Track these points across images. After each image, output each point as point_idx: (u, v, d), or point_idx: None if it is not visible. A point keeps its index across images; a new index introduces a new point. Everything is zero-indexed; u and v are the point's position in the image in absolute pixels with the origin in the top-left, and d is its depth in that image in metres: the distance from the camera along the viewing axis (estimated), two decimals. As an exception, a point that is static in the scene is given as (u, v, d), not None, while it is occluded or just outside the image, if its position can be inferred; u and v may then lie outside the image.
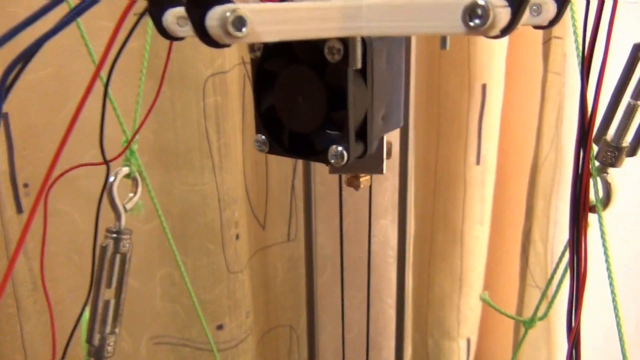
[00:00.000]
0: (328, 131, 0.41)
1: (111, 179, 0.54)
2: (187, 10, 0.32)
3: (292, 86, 0.41)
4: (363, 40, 0.39)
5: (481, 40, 0.90)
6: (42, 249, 0.57)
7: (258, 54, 0.42)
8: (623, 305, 0.57)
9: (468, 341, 1.10)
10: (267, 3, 0.33)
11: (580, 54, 0.47)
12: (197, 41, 0.32)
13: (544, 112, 0.95)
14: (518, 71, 0.99)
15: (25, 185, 0.84)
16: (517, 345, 1.04)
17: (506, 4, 0.32)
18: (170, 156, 0.90)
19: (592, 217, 0.52)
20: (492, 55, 0.93)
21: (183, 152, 0.89)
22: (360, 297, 1.01)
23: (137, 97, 0.59)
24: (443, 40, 0.44)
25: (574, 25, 0.56)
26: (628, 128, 0.52)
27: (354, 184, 0.53)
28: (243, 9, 0.31)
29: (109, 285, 0.54)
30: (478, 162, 0.98)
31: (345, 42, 0.38)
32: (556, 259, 0.63)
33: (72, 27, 0.55)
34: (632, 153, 0.53)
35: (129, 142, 0.52)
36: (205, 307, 0.95)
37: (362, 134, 0.41)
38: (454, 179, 0.99)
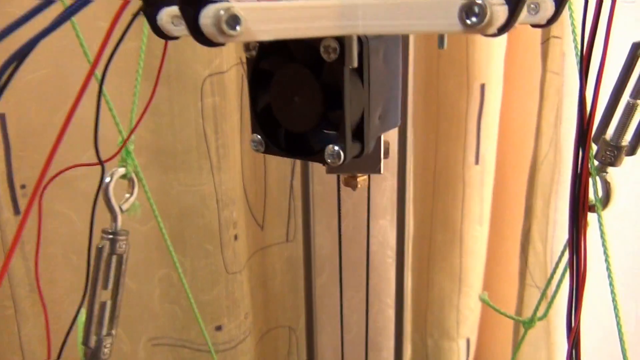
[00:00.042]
0: (324, 131, 0.41)
1: (107, 179, 0.54)
2: (181, 8, 0.31)
3: (288, 85, 0.41)
4: (359, 38, 0.38)
5: (480, 40, 0.90)
6: (36, 250, 0.57)
7: (254, 53, 0.42)
8: (623, 305, 0.56)
9: (467, 341, 1.09)
10: (262, 1, 0.32)
11: (579, 53, 0.47)
12: (194, 41, 0.32)
13: (543, 112, 0.95)
14: (517, 71, 0.99)
15: (23, 187, 0.83)
16: (516, 345, 1.04)
17: (503, 2, 0.32)
18: (168, 157, 0.89)
19: (591, 217, 0.52)
20: (491, 55, 0.92)
21: (181, 152, 0.89)
22: (359, 297, 1.01)
23: (139, 99, 0.59)
24: (440, 39, 0.44)
25: (572, 24, 0.56)
26: (627, 127, 0.51)
27: (352, 184, 0.53)
28: (237, 7, 0.31)
29: (105, 287, 0.54)
30: (477, 162, 0.97)
31: (341, 40, 0.38)
32: (555, 259, 0.63)
33: (70, 27, 0.55)
34: (631, 152, 0.52)
35: (124, 142, 0.52)
36: (203, 308, 0.95)
37: (358, 133, 0.41)
38: (453, 179, 0.99)
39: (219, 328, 0.97)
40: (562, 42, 0.90)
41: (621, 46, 0.50)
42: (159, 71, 0.49)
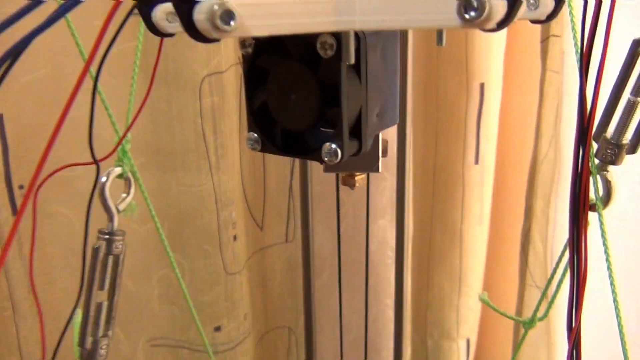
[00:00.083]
0: (322, 129, 0.40)
1: (103, 179, 0.53)
2: (175, 4, 0.31)
3: (285, 83, 0.40)
4: (356, 34, 0.38)
5: (479, 39, 0.90)
6: (31, 250, 0.57)
7: (249, 50, 0.41)
8: (624, 305, 0.56)
9: (468, 341, 1.09)
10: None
11: (579, 51, 0.46)
12: (192, 41, 0.32)
13: (543, 111, 0.94)
14: (516, 70, 0.98)
15: (21, 187, 0.83)
16: (517, 345, 1.03)
17: (503, -5, 0.32)
18: (166, 157, 0.89)
19: (592, 216, 0.52)
20: (490, 54, 0.92)
21: (180, 153, 0.89)
22: (359, 298, 1.01)
23: (137, 99, 0.59)
24: (439, 35, 0.43)
25: (572, 21, 0.56)
26: (628, 125, 0.51)
27: (349, 182, 0.52)
28: (231, 2, 0.30)
29: (101, 288, 0.53)
30: (477, 162, 0.97)
31: (338, 37, 0.37)
32: (556, 259, 0.63)
33: (67, 27, 0.54)
34: (632, 150, 0.52)
35: (119, 141, 0.52)
36: (202, 309, 0.95)
37: (356, 131, 0.41)
38: (452, 179, 0.99)
39: (218, 329, 0.97)
40: (562, 40, 0.90)
41: (621, 43, 0.50)
42: (154, 69, 0.48)
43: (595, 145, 0.52)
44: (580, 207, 0.49)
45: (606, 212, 0.54)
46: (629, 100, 0.50)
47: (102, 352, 0.54)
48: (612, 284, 0.54)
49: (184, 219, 0.92)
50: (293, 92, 0.40)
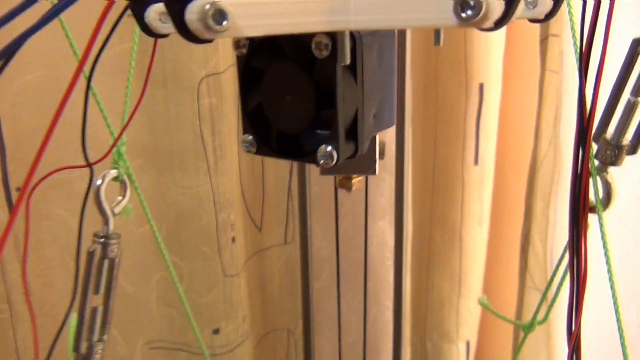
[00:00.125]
0: (317, 131, 0.40)
1: (98, 182, 0.53)
2: (166, 4, 0.30)
3: (279, 84, 0.40)
4: (352, 34, 0.37)
5: (478, 39, 0.90)
6: (24, 252, 0.56)
7: (244, 50, 0.41)
8: (625, 308, 0.56)
9: (467, 344, 1.09)
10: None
11: (578, 51, 0.46)
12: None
13: (542, 111, 0.94)
14: (515, 70, 0.98)
15: (18, 189, 0.82)
16: (517, 348, 1.03)
17: (500, -6, 0.31)
18: (164, 159, 0.89)
19: (592, 218, 0.51)
20: (489, 54, 0.92)
21: (178, 154, 0.88)
22: (358, 300, 1.01)
23: (131, 99, 0.58)
24: (437, 35, 0.43)
25: (571, 20, 0.55)
26: (628, 125, 0.51)
27: (346, 185, 0.52)
28: (224, 1, 0.30)
29: (96, 292, 0.53)
30: (476, 162, 0.97)
31: (334, 37, 0.37)
32: (556, 260, 0.62)
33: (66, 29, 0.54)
34: (632, 151, 0.52)
35: (113, 143, 0.51)
36: (201, 311, 0.94)
37: (352, 133, 0.40)
38: (452, 180, 0.98)
39: (216, 331, 0.97)
40: (561, 40, 0.90)
41: (621, 43, 0.49)
42: (149, 70, 0.48)
43: (595, 146, 0.52)
44: (580, 209, 0.49)
45: (606, 214, 0.53)
46: (628, 100, 0.50)
47: (98, 357, 0.54)
48: (612, 287, 0.53)
49: (182, 221, 0.92)
50: (288, 93, 0.39)
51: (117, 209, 0.55)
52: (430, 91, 0.97)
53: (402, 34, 0.69)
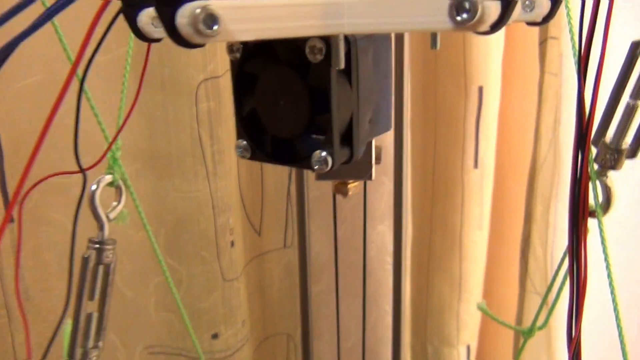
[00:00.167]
0: (312, 136, 0.39)
1: (93, 187, 0.52)
2: (157, 8, 0.30)
3: (274, 89, 0.39)
4: (347, 38, 0.37)
5: (477, 42, 0.89)
6: (17, 257, 0.56)
7: (237, 55, 0.40)
8: (625, 312, 0.55)
9: (468, 348, 1.08)
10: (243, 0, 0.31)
11: (577, 53, 0.45)
12: None
13: (542, 114, 0.94)
14: (515, 73, 0.98)
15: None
16: (517, 352, 1.03)
17: (495, -3, 0.31)
18: (163, 163, 0.88)
19: (592, 222, 0.51)
20: (489, 57, 0.91)
21: (176, 158, 0.88)
22: (358, 304, 1.00)
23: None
24: (433, 38, 0.42)
25: (569, 23, 0.55)
26: (627, 129, 0.50)
27: (342, 190, 0.51)
28: (215, 5, 0.29)
29: (91, 298, 0.52)
30: (476, 166, 0.96)
31: (328, 41, 0.36)
32: (556, 264, 0.62)
33: (64, 33, 0.54)
34: (632, 155, 0.51)
35: (107, 148, 0.51)
36: (200, 316, 0.94)
37: (347, 138, 0.40)
38: (451, 183, 0.98)
39: (215, 336, 0.96)
40: (560, 42, 0.90)
41: (620, 45, 0.49)
42: (142, 74, 0.47)
43: (594, 150, 0.52)
44: (579, 213, 0.48)
45: (606, 218, 0.53)
46: (628, 103, 0.49)
47: (92, 364, 0.53)
48: (612, 292, 0.53)
49: (181, 226, 0.91)
50: (282, 98, 0.39)
51: (112, 215, 0.55)
52: (429, 94, 0.96)
53: (399, 37, 0.68)
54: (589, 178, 0.49)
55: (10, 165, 0.80)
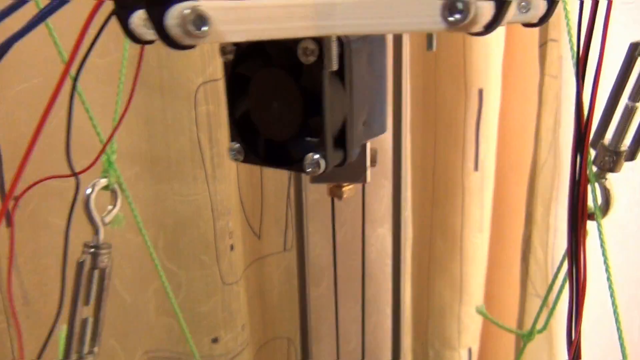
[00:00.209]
0: (306, 138, 0.39)
1: (88, 191, 0.52)
2: (147, 9, 0.30)
3: (267, 91, 0.39)
4: (340, 39, 0.37)
5: (477, 45, 0.89)
6: (9, 261, 0.55)
7: (230, 56, 0.40)
8: (626, 314, 0.55)
9: (469, 351, 1.08)
10: (233, 0, 0.31)
11: (575, 55, 0.45)
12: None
13: (542, 116, 0.94)
14: (515, 75, 0.97)
15: (14, 198, 0.82)
16: (517, 356, 1.02)
17: (489, -3, 0.30)
18: (162, 166, 0.88)
19: (591, 225, 0.50)
20: (489, 60, 0.91)
21: (175, 162, 0.88)
22: (358, 307, 1.00)
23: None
24: (429, 40, 0.42)
25: (568, 25, 0.54)
26: (626, 131, 0.50)
27: (337, 193, 0.51)
28: (205, 6, 0.29)
29: (86, 303, 0.52)
30: (476, 168, 0.96)
31: (320, 42, 0.36)
32: (557, 267, 0.61)
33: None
34: (631, 157, 0.51)
35: (100, 151, 0.50)
36: (199, 320, 0.94)
37: (341, 140, 0.39)
38: (452, 186, 0.98)
39: (215, 340, 0.96)
40: (560, 44, 0.89)
41: (619, 47, 0.49)
42: (136, 76, 0.47)
43: (593, 152, 0.51)
44: (578, 216, 0.48)
45: (606, 220, 0.53)
46: (626, 105, 0.49)
47: (87, 369, 0.53)
48: (612, 295, 0.52)
49: (180, 229, 0.91)
50: (275, 100, 0.39)
51: (107, 219, 0.54)
52: (429, 97, 0.96)
53: (398, 38, 0.68)
54: (587, 181, 0.48)
55: (10, 168, 0.79)
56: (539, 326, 0.66)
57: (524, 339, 0.67)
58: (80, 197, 0.57)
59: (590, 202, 0.50)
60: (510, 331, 0.72)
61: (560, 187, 0.96)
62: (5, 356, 0.84)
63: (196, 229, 0.91)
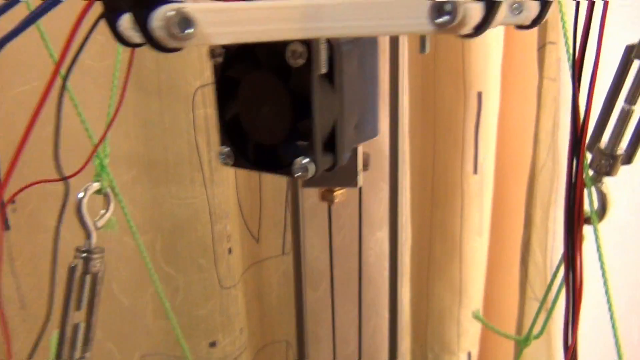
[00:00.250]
0: (296, 142, 0.38)
1: (80, 195, 0.52)
2: (132, 11, 0.29)
3: (256, 94, 0.39)
4: (329, 42, 0.36)
5: (476, 48, 0.89)
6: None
7: (219, 59, 0.40)
8: (625, 317, 0.54)
9: (469, 355, 1.08)
10: (219, 2, 0.30)
11: (571, 58, 0.45)
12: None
13: (541, 119, 0.93)
14: (514, 78, 0.97)
15: (12, 202, 0.82)
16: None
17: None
18: (159, 169, 0.88)
19: (588, 229, 0.50)
20: (487, 63, 0.91)
21: (173, 165, 0.88)
22: (356, 311, 0.99)
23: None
24: (422, 42, 0.42)
25: (564, 28, 0.54)
26: (622, 134, 0.49)
27: (328, 198, 0.50)
28: (190, 8, 0.28)
29: (78, 308, 0.52)
30: (475, 171, 0.96)
31: (309, 44, 0.35)
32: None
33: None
34: (627, 161, 0.50)
35: (90, 154, 0.50)
36: (197, 324, 0.93)
37: (331, 144, 0.39)
38: (451, 189, 0.98)
39: (213, 344, 0.96)
40: (558, 47, 0.89)
41: (616, 50, 0.48)
42: (126, 78, 0.47)
43: (589, 156, 0.51)
44: (574, 220, 0.47)
45: (604, 224, 0.52)
46: (623, 108, 0.49)
47: (79, 375, 0.52)
48: (608, 301, 0.52)
49: (178, 233, 0.91)
50: (265, 103, 0.38)
51: (100, 223, 0.54)
52: (428, 100, 0.96)
53: (395, 40, 0.67)
54: (584, 184, 0.48)
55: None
56: (536, 331, 0.66)
57: (520, 344, 0.67)
58: (72, 201, 0.57)
59: (586, 207, 0.50)
60: (507, 336, 0.72)
61: (559, 190, 0.96)
62: (2, 360, 0.84)
63: (194, 232, 0.91)
